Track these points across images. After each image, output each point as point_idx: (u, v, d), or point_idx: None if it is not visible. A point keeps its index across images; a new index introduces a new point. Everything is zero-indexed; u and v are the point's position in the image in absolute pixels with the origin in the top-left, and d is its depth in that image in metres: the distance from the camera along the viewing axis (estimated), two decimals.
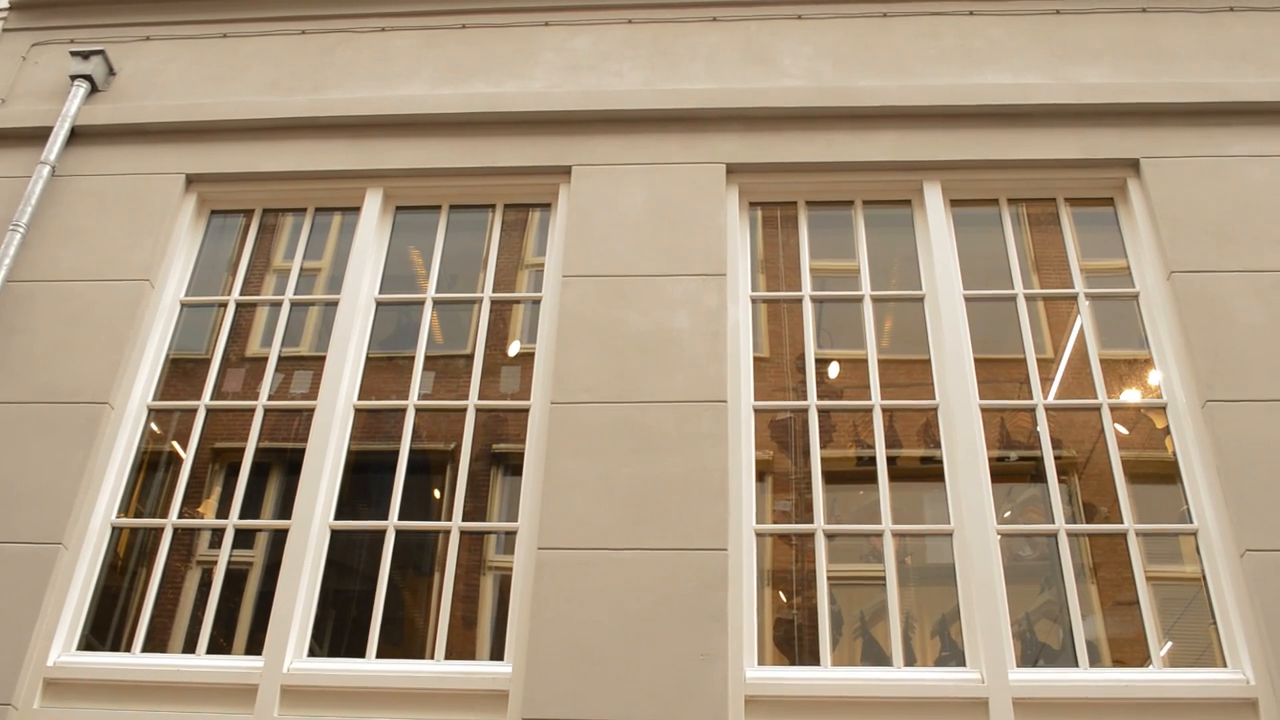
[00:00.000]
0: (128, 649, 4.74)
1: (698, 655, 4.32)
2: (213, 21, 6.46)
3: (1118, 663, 4.48)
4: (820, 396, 5.14)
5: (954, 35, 6.03)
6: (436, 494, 5.03)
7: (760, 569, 4.74)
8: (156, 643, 4.77)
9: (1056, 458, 4.92)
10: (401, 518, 4.94)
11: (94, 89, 6.15)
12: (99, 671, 4.59)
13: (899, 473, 4.94)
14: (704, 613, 4.40)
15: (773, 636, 4.61)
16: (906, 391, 5.13)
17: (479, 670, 4.52)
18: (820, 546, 4.75)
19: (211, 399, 5.35)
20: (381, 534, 4.90)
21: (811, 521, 4.82)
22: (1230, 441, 4.68)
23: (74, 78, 6.09)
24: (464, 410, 5.21)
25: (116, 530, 5.02)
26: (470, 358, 5.37)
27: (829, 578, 4.69)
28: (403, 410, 5.22)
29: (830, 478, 4.95)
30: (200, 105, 6.01)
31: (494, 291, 5.58)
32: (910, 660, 4.52)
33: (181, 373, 5.44)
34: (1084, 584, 4.65)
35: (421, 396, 5.27)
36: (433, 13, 6.35)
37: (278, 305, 5.64)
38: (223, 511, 5.06)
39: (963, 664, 4.46)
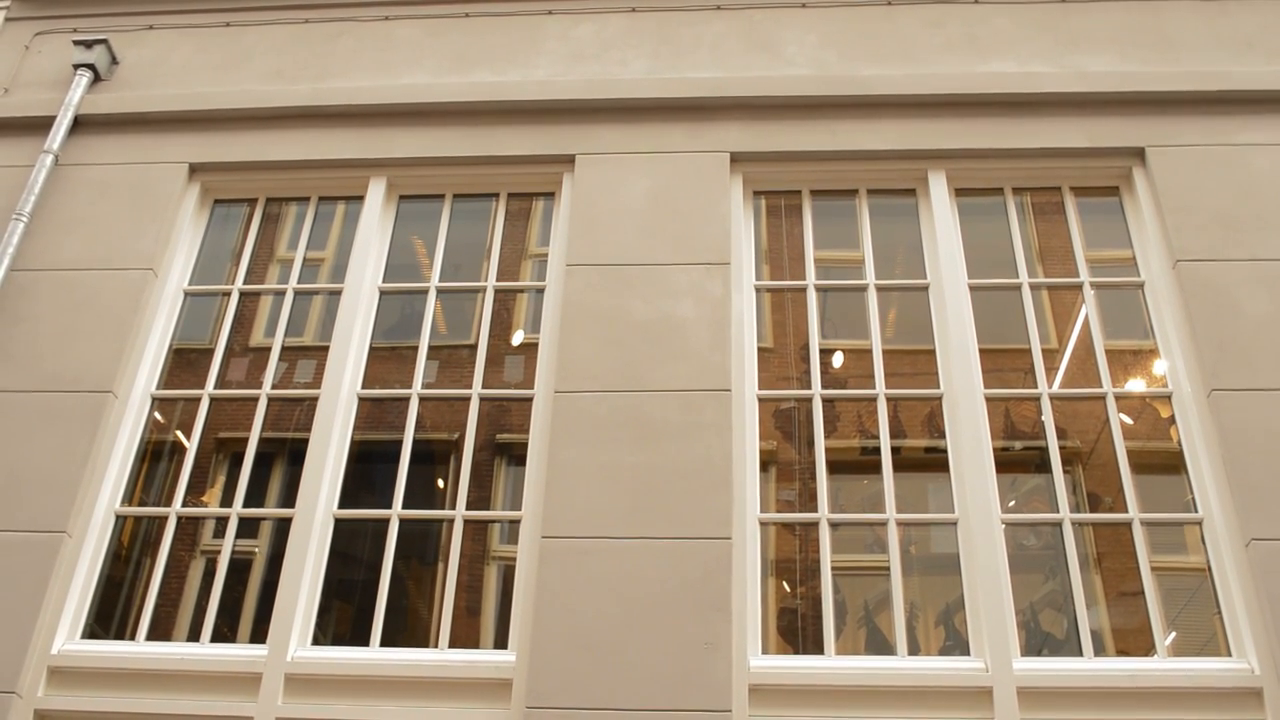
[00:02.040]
0: (132, 637, 4.75)
1: (702, 644, 4.31)
2: (216, 10, 6.45)
3: (1122, 652, 4.47)
4: (824, 386, 5.13)
5: (959, 23, 6.01)
6: (440, 483, 5.03)
7: (764, 558, 4.74)
8: (160, 631, 4.78)
9: (1061, 447, 4.90)
10: (405, 507, 4.94)
11: (97, 78, 6.14)
12: (103, 660, 4.59)
13: (903, 462, 4.93)
14: (708, 602, 4.40)
15: (777, 625, 4.61)
16: (911, 381, 5.12)
17: (483, 659, 4.52)
18: (824, 536, 4.74)
19: (215, 388, 5.35)
20: (385, 523, 4.90)
21: (816, 511, 4.82)
22: (1235, 431, 4.66)
23: (77, 67, 6.09)
24: (468, 399, 5.21)
25: (120, 519, 5.02)
26: (474, 347, 5.36)
27: (833, 567, 4.68)
28: (406, 399, 5.22)
29: (834, 467, 4.94)
30: (203, 94, 6.00)
31: (497, 281, 5.57)
32: (914, 650, 4.52)
33: (185, 362, 5.44)
34: (1088, 573, 4.64)
35: (425, 386, 5.27)
36: (436, 1, 6.34)
37: (281, 294, 5.63)
38: (226, 501, 5.06)
39: (967, 653, 4.45)
